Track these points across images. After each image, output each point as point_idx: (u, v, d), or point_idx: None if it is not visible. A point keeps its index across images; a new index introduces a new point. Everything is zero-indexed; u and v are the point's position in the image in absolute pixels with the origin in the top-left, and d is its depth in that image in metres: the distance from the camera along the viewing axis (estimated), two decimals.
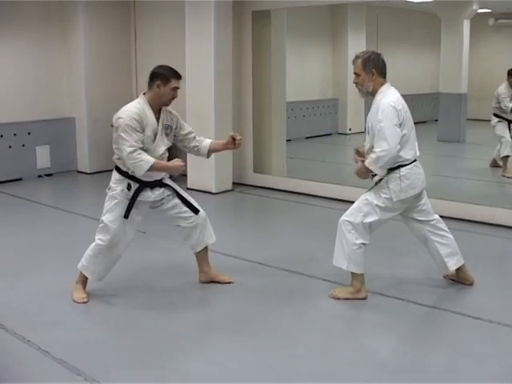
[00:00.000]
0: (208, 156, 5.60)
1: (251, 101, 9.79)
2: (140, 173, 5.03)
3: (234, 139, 5.37)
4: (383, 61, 5.17)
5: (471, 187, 9.72)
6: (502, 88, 10.13)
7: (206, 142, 5.51)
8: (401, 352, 4.51)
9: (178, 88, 5.20)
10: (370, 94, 5.16)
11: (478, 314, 4.95)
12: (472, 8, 13.71)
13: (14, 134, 10.22)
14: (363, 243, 5.19)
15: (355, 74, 5.16)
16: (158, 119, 5.19)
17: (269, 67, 9.78)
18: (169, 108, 5.33)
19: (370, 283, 5.40)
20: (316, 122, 14.11)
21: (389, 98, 5.04)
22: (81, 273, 5.34)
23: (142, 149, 5.02)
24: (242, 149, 9.80)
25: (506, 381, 4.05)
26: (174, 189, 5.36)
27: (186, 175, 9.68)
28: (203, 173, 9.42)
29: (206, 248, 5.59)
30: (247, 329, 4.80)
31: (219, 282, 5.62)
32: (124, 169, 5.14)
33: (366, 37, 14.77)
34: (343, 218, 5.27)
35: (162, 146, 5.19)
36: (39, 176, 10.58)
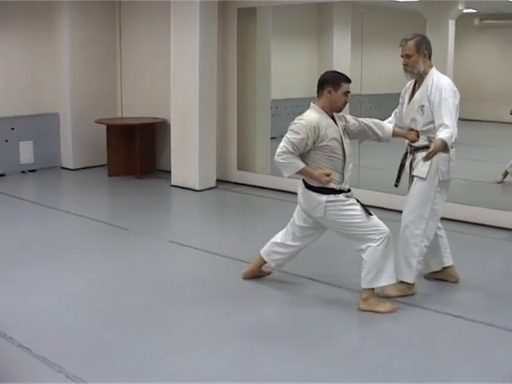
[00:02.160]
0: (388, 140, 5.40)
1: (236, 98, 9.78)
2: (285, 174, 5.05)
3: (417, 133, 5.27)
4: (431, 44, 5.30)
5: (456, 187, 9.72)
6: None
7: (388, 127, 5.36)
8: (382, 351, 4.51)
9: (348, 92, 5.08)
10: (419, 76, 5.22)
11: (460, 312, 4.97)
12: (457, 8, 13.75)
13: None
14: (431, 239, 5.31)
15: (406, 55, 5.19)
16: (336, 124, 5.10)
17: (254, 65, 9.76)
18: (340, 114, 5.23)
19: (352, 281, 5.41)
20: None
21: (446, 79, 5.17)
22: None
23: (330, 157, 5.00)
24: (225, 146, 9.88)
25: (486, 379, 4.06)
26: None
27: (169, 172, 9.67)
28: (187, 170, 9.40)
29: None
30: (218, 328, 4.80)
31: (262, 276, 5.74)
32: (329, 186, 5.04)
33: (351, 35, 14.80)
34: (408, 237, 5.27)
35: (349, 150, 5.11)
36: (22, 172, 10.52)
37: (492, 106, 12.64)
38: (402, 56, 5.22)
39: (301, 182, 5.23)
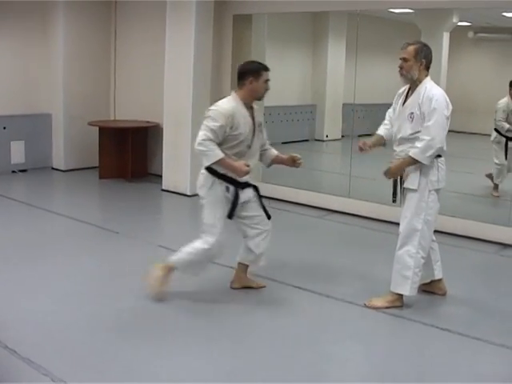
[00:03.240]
0: (269, 165, 5.68)
1: None
2: (206, 163, 5.10)
3: (294, 160, 5.45)
4: (432, 56, 5.29)
5: (445, 199, 9.75)
6: (502, 101, 9.74)
7: (273, 152, 5.56)
8: (365, 361, 4.51)
9: (268, 80, 5.21)
10: (411, 82, 5.24)
11: (447, 325, 4.98)
12: (452, 21, 13.80)
13: None
14: (427, 251, 5.33)
15: (403, 58, 5.20)
16: (252, 117, 5.21)
17: None
18: (253, 105, 5.31)
19: (339, 291, 5.42)
20: (293, 128, 14.12)
21: (439, 90, 5.19)
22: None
23: (236, 146, 5.08)
24: None
25: None
26: (257, 190, 5.42)
27: (161, 176, 9.66)
28: (178, 175, 9.39)
29: (247, 267, 5.67)
30: (207, 331, 4.80)
31: (252, 287, 5.67)
32: (220, 170, 5.12)
33: (346, 44, 14.83)
34: (404, 249, 5.28)
35: (257, 143, 5.24)
36: (13, 171, 10.49)
37: (484, 119, 12.64)
38: (400, 58, 5.24)
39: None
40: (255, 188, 5.42)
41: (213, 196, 5.20)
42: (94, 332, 4.73)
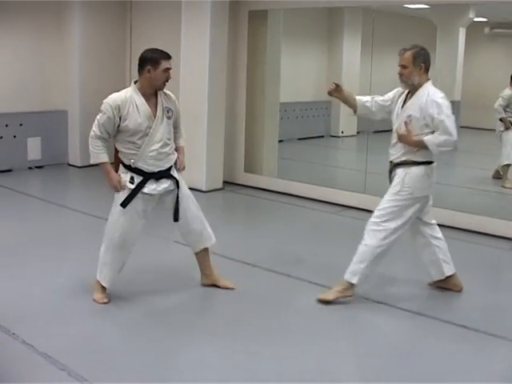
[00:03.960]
0: None
1: (245, 100, 9.79)
2: (91, 160, 5.10)
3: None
4: (430, 57, 5.26)
5: (461, 195, 9.74)
6: (506, 90, 10.09)
7: (178, 144, 5.39)
8: (384, 358, 4.50)
9: (169, 69, 5.05)
10: (413, 88, 5.20)
11: (463, 322, 4.97)
12: (468, 16, 13.75)
13: (6, 125, 10.19)
14: (389, 248, 5.26)
15: (402, 66, 5.17)
16: (156, 104, 5.06)
17: (263, 67, 9.77)
18: (167, 92, 5.18)
19: (356, 288, 5.41)
20: (309, 124, 14.10)
21: (441, 93, 5.15)
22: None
23: (134, 134, 4.97)
24: (233, 148, 9.89)
25: None
26: (177, 184, 5.24)
27: None
28: (194, 170, 9.39)
29: (205, 250, 5.54)
30: (241, 330, 4.80)
31: (219, 287, 5.56)
32: (126, 162, 5.08)
33: (361, 40, 14.79)
34: (370, 226, 5.26)
35: (161, 130, 5.04)
36: (30, 168, 10.55)
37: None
38: (398, 65, 5.21)
39: None
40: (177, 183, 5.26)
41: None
42: (110, 326, 4.77)
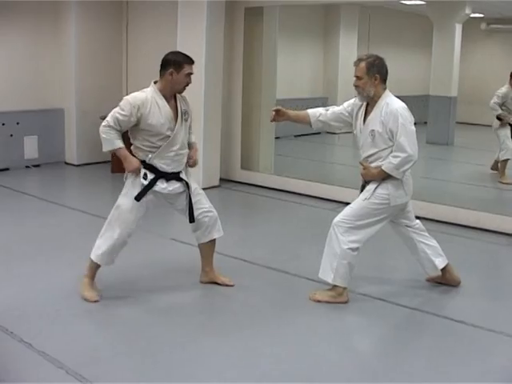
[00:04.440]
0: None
1: (241, 97, 9.78)
2: (104, 148, 5.03)
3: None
4: (386, 67, 5.15)
5: (458, 190, 9.76)
6: (502, 88, 10.08)
7: (190, 144, 5.42)
8: (382, 354, 4.51)
9: (191, 74, 5.11)
10: (369, 99, 5.12)
11: (461, 317, 4.97)
12: (464, 12, 13.76)
13: (3, 124, 10.17)
14: (356, 247, 5.16)
15: (356, 76, 5.10)
16: (175, 107, 5.11)
17: (260, 64, 9.76)
18: (182, 94, 5.23)
19: (354, 283, 5.41)
20: None
21: (399, 103, 5.06)
22: (89, 266, 5.26)
23: (155, 135, 5.01)
24: (229, 145, 9.88)
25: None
26: (188, 188, 5.25)
27: None
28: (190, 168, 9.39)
29: (212, 243, 5.50)
30: (239, 328, 4.81)
31: (219, 284, 5.54)
32: (141, 156, 5.08)
33: (357, 37, 14.81)
34: (336, 220, 5.21)
35: (181, 133, 5.12)
36: (27, 166, 10.53)
37: None
38: (354, 76, 5.14)
39: None
40: (187, 185, 5.27)
41: (131, 178, 5.13)
42: (107, 324, 4.76)
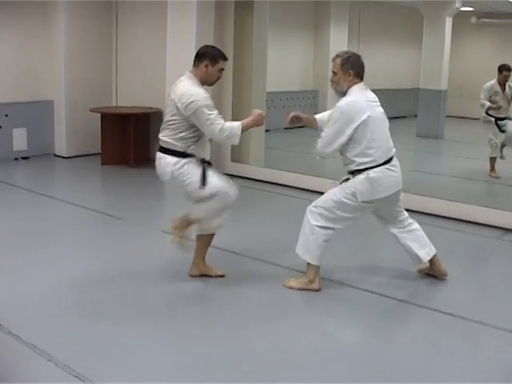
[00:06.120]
0: None
1: (231, 90, 9.76)
2: (236, 140, 5.16)
3: None
4: (362, 63, 5.20)
5: (448, 184, 9.79)
6: (488, 83, 10.06)
7: None
8: (368, 345, 4.52)
9: (223, 69, 5.25)
10: (343, 95, 5.17)
11: (450, 309, 4.99)
12: (455, 6, 13.79)
13: None
14: (327, 227, 5.22)
15: (333, 72, 5.20)
16: None
17: (250, 57, 9.75)
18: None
19: (342, 275, 5.44)
20: None
21: (348, 99, 5.11)
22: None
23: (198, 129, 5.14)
24: None
25: (473, 377, 4.07)
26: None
27: None
28: None
29: (210, 239, 5.55)
30: (222, 319, 4.81)
31: (210, 276, 5.53)
32: (181, 148, 5.16)
33: (348, 30, 14.80)
34: (310, 206, 5.35)
35: None
36: (15, 159, 10.49)
37: None
38: (331, 72, 5.25)
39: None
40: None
41: (195, 169, 5.20)
42: (96, 317, 4.75)
